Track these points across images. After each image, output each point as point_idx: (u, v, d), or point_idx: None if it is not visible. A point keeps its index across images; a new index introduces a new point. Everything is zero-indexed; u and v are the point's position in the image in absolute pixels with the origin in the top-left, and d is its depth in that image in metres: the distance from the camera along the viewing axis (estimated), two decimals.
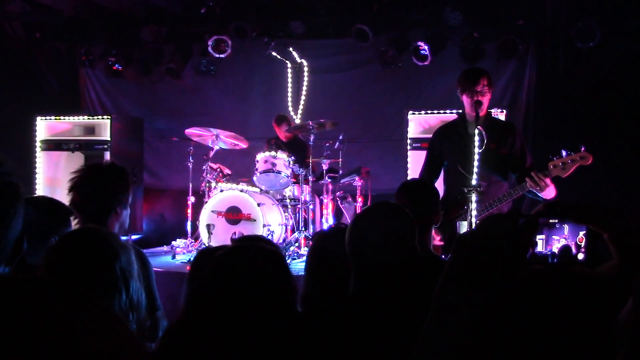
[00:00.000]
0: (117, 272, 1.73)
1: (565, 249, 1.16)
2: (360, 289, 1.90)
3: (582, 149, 3.74)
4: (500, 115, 6.26)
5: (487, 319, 1.04)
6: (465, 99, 4.07)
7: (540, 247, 1.16)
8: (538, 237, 1.16)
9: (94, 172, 2.68)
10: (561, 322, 1.11)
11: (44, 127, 7.70)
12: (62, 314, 0.63)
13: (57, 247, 1.75)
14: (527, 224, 1.04)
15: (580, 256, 1.20)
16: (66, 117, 7.70)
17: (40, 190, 7.51)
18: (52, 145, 7.65)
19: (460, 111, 4.33)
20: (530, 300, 1.08)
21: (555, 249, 1.17)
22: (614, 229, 1.24)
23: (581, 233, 1.21)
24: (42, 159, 7.67)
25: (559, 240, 1.18)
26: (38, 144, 7.66)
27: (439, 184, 4.39)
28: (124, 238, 3.70)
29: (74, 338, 0.62)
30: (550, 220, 1.18)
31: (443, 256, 3.52)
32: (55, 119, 7.69)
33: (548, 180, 3.77)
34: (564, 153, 3.75)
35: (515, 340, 1.08)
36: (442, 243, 3.84)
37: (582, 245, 1.20)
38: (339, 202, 7.14)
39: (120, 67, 8.19)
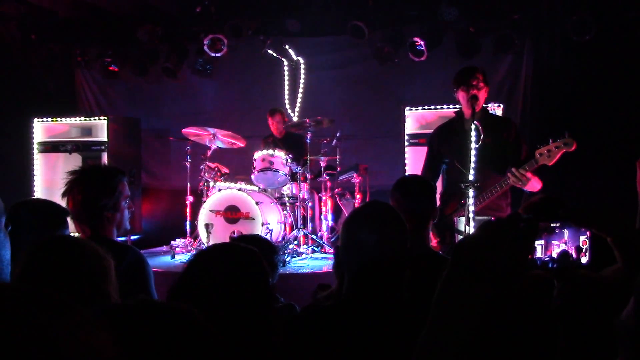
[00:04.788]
0: (84, 281, 1.73)
1: (564, 254, 1.16)
2: (354, 290, 1.91)
3: (566, 134, 3.71)
4: (497, 110, 6.27)
5: (491, 320, 1.04)
6: (461, 95, 4.09)
7: (539, 253, 1.16)
8: (537, 242, 1.15)
9: (74, 179, 2.63)
10: (565, 325, 1.12)
11: (41, 129, 7.70)
12: (42, 319, 0.65)
13: (27, 258, 1.74)
14: (528, 227, 1.04)
15: (584, 260, 1.19)
16: (63, 119, 7.70)
17: (39, 192, 7.50)
18: (50, 147, 7.66)
19: (458, 108, 4.35)
20: (533, 303, 1.08)
21: (554, 254, 1.16)
22: (617, 233, 1.24)
23: (582, 238, 1.20)
24: (39, 161, 7.66)
25: (558, 245, 1.17)
26: (35, 146, 7.66)
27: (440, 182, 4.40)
28: (121, 239, 3.70)
29: (52, 340, 0.64)
30: (552, 225, 1.18)
31: (441, 252, 3.51)
32: (52, 120, 7.68)
33: (529, 174, 3.75)
34: (550, 141, 3.73)
35: (519, 342, 1.08)
36: (438, 247, 3.83)
37: (585, 249, 1.19)
38: (337, 199, 7.15)
39: (116, 68, 8.17)
